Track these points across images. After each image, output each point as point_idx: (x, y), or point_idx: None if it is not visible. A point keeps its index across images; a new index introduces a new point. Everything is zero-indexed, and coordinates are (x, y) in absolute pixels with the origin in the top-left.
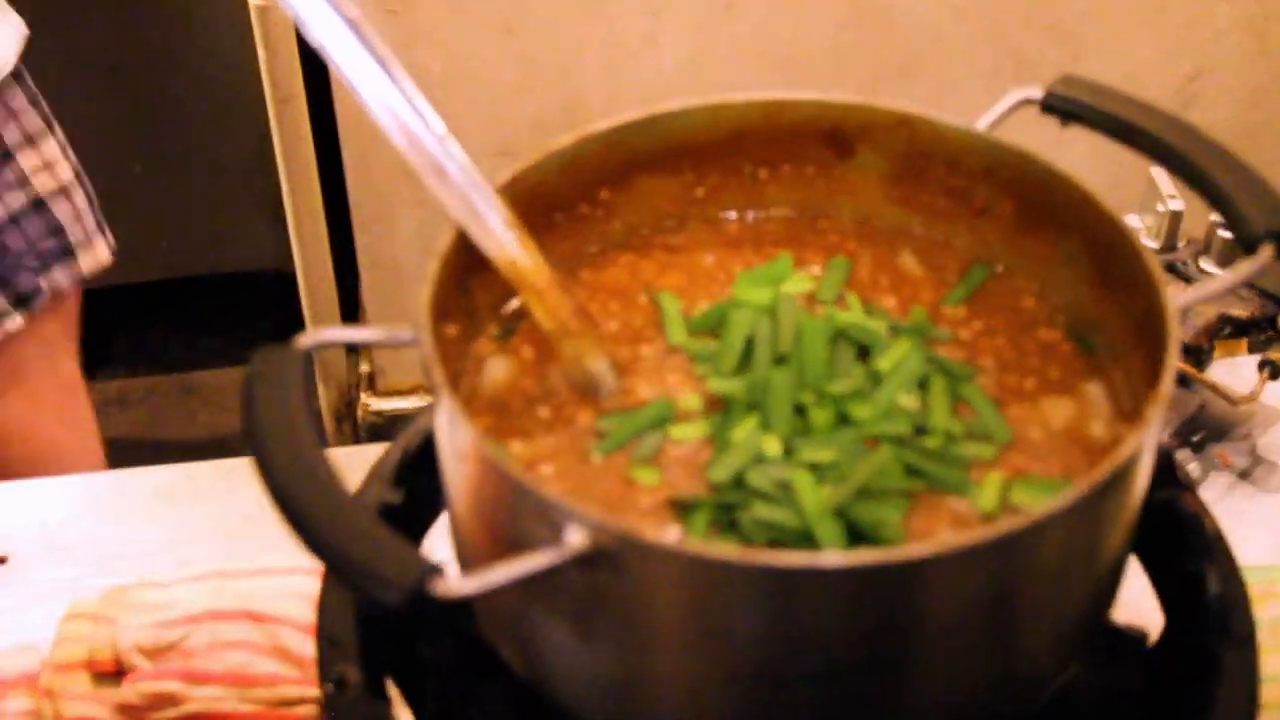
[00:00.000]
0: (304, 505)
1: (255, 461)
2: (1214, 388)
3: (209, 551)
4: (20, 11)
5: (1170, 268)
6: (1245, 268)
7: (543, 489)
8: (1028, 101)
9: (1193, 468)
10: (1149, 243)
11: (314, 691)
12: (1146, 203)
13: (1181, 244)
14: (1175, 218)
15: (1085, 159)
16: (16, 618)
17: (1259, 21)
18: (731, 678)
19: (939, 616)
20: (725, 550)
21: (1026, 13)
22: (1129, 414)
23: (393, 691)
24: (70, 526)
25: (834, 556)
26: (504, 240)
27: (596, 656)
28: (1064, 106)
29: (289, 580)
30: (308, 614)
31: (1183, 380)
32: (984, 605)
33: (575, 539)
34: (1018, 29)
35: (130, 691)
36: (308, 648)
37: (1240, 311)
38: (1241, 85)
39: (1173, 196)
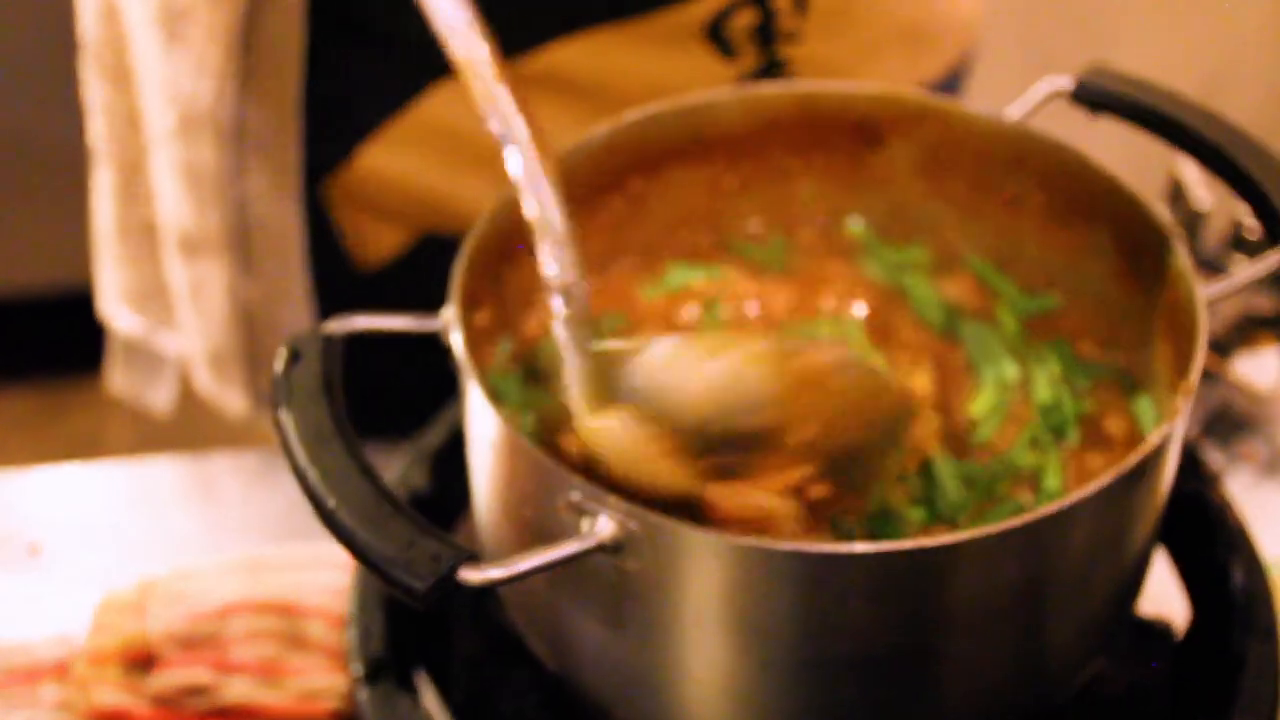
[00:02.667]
0: (333, 492)
1: (284, 448)
2: (1237, 383)
3: (243, 542)
4: None
5: (1197, 263)
6: (1274, 259)
7: (573, 475)
8: (1058, 92)
9: (1216, 462)
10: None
11: (345, 683)
12: (1172, 198)
13: (1208, 239)
14: (1201, 213)
15: (1107, 155)
16: (49, 607)
17: None
18: (761, 667)
19: (968, 604)
20: (755, 537)
21: (1051, 11)
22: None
23: (422, 683)
24: (103, 515)
25: (864, 543)
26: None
27: (625, 647)
28: (1094, 96)
29: (321, 573)
30: (340, 607)
31: (1206, 374)
32: (1012, 594)
33: (604, 526)
34: (1043, 27)
35: (162, 682)
36: (339, 640)
37: (1263, 305)
38: (1265, 83)
39: (1199, 192)
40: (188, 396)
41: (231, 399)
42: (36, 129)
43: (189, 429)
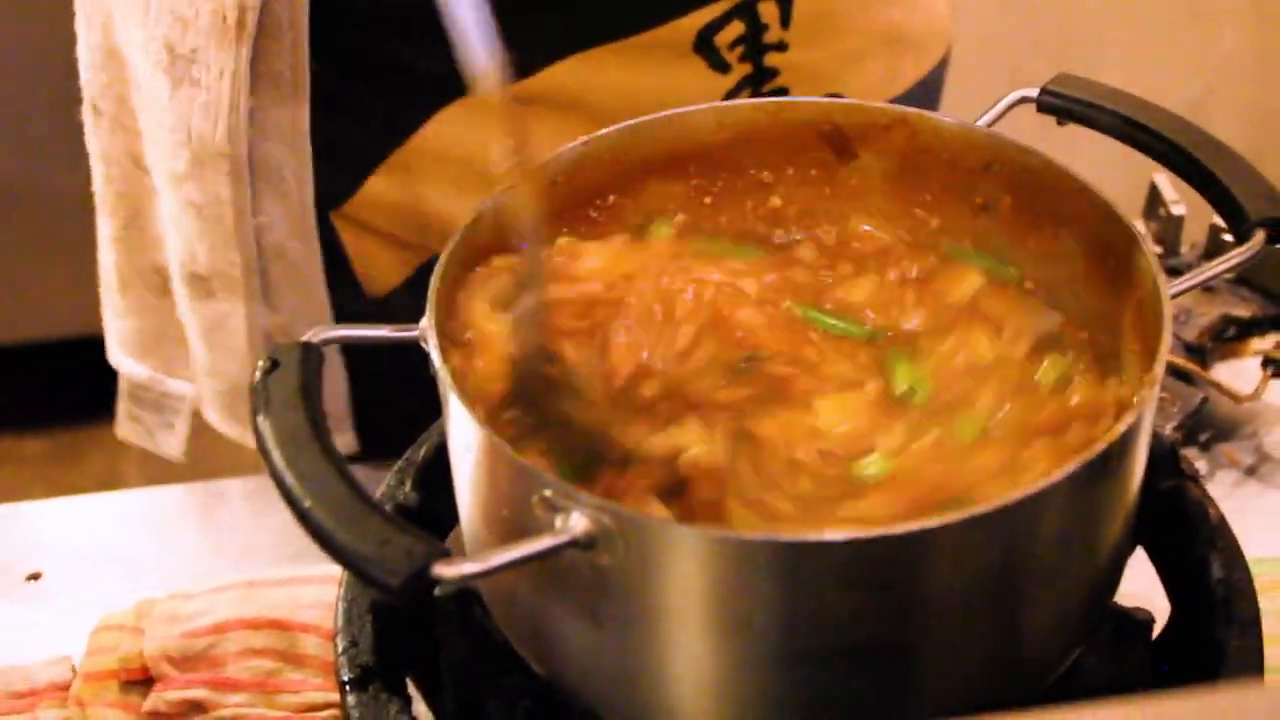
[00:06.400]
0: (309, 494)
1: (262, 453)
2: (1218, 386)
3: (237, 566)
4: None
5: (1174, 272)
6: (1237, 254)
7: (545, 473)
8: (1025, 100)
9: (1200, 466)
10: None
11: (338, 696)
12: (1149, 209)
13: (1185, 248)
14: (1177, 222)
15: (1087, 167)
16: (49, 632)
17: (1266, 43)
18: (739, 659)
19: (942, 592)
20: (725, 528)
21: (1034, 38)
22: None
23: (412, 691)
24: (102, 543)
25: (837, 531)
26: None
27: (605, 644)
28: (1060, 104)
29: (313, 590)
30: (331, 622)
31: (1187, 378)
32: (986, 582)
33: (577, 522)
34: (1026, 54)
35: (159, 700)
36: (331, 654)
37: (1242, 311)
38: (1249, 107)
39: (1175, 202)
40: (199, 437)
41: (251, 436)
42: (48, 180)
43: (202, 470)
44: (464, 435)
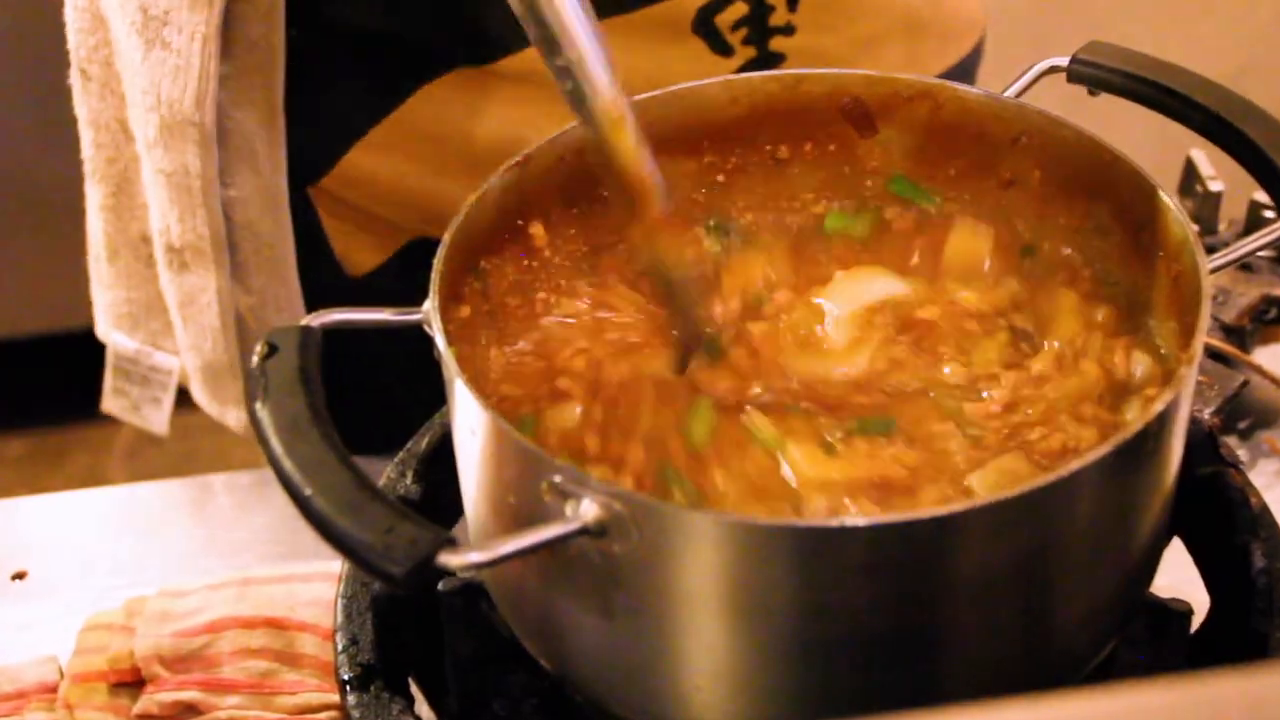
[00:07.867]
0: (309, 481)
1: (260, 440)
2: (1258, 369)
3: (228, 563)
4: None
5: (1211, 250)
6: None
7: (555, 458)
8: (1054, 69)
9: (1240, 454)
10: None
11: (337, 698)
12: (1185, 185)
13: (1223, 226)
14: (1215, 199)
15: (1116, 145)
16: (37, 632)
17: None
18: (755, 650)
19: (969, 580)
20: (743, 514)
21: (1061, 9)
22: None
23: (414, 689)
24: (90, 540)
25: (859, 517)
26: (604, 85)
27: (616, 635)
28: (1092, 73)
29: (311, 587)
30: (330, 621)
31: (1226, 361)
32: (1014, 569)
33: (588, 509)
34: (1053, 27)
35: (150, 701)
36: (330, 654)
37: None
38: None
39: (1212, 178)
40: (188, 437)
41: (230, 414)
42: (32, 171)
43: (188, 467)
44: (470, 420)
